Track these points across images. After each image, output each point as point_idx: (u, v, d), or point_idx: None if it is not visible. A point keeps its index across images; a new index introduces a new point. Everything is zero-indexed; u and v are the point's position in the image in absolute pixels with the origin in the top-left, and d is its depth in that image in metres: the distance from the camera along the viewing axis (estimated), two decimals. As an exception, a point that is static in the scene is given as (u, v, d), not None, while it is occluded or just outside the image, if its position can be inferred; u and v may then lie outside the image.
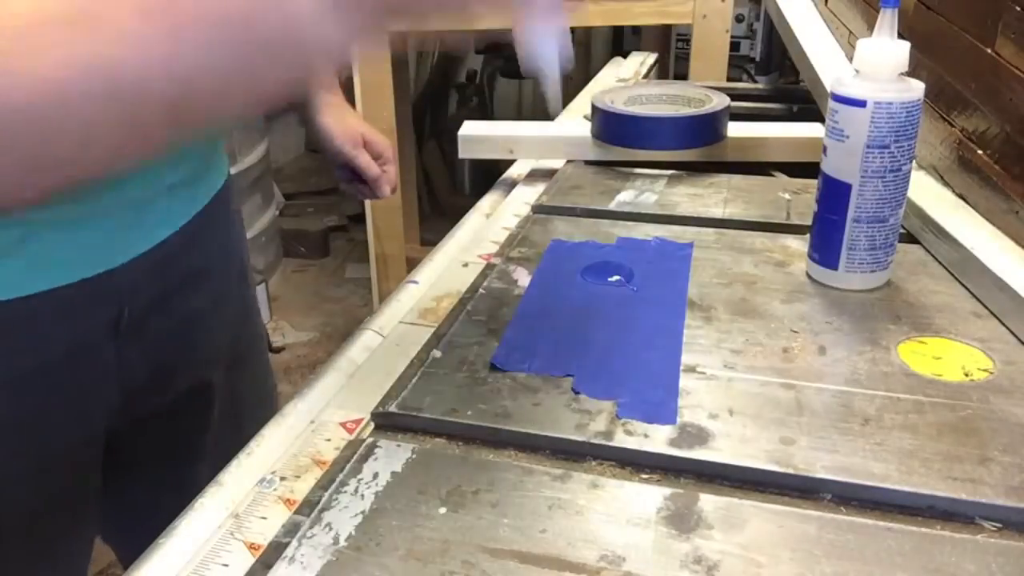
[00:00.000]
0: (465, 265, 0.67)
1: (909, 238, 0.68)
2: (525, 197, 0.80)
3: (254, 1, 0.35)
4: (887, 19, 0.54)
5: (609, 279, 0.60)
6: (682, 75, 2.00)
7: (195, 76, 0.35)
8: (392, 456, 0.44)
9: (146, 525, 0.49)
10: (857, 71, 0.56)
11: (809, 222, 0.62)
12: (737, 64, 2.27)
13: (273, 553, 0.38)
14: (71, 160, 0.35)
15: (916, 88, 0.56)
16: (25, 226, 0.51)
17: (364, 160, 0.94)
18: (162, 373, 0.64)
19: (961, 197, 0.69)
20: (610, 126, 0.84)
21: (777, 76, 2.26)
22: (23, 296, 0.52)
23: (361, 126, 0.97)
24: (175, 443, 0.69)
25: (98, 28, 0.33)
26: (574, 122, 0.99)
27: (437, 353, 0.52)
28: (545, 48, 0.43)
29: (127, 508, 0.69)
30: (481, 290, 0.60)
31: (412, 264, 0.69)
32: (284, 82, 0.39)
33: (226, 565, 0.39)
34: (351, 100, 1.81)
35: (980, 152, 0.66)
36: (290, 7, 0.36)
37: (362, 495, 0.41)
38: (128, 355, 0.60)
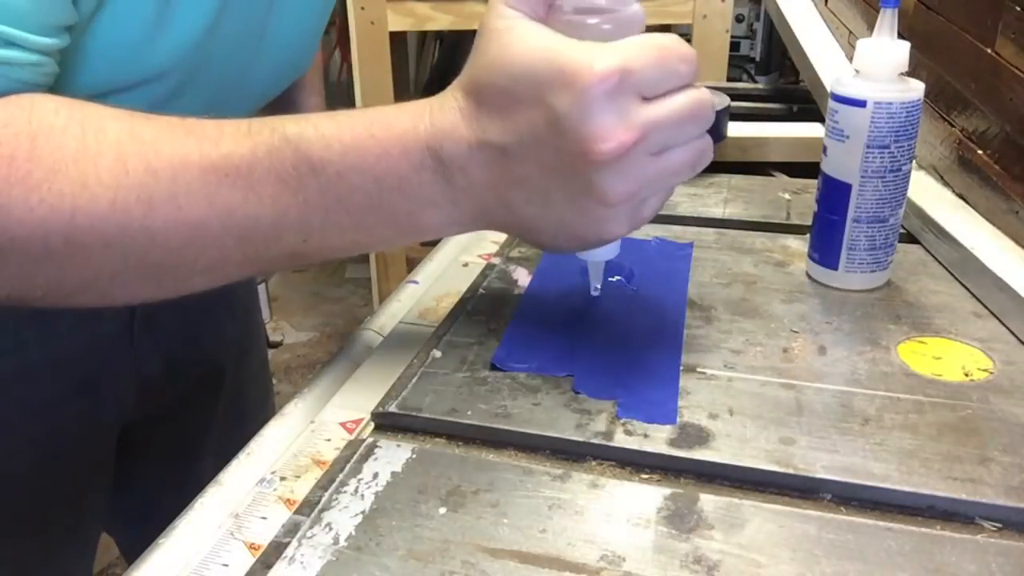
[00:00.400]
0: (465, 265, 0.67)
1: (909, 238, 0.68)
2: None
3: (391, 203, 0.42)
4: (887, 19, 0.54)
5: (609, 279, 0.59)
6: (682, 75, 2.00)
7: (318, 239, 0.42)
8: (392, 456, 0.44)
9: (149, 519, 0.50)
10: (857, 71, 0.56)
11: (809, 222, 0.62)
12: (737, 64, 2.27)
13: (273, 553, 0.38)
14: (197, 284, 0.43)
15: (916, 88, 0.56)
16: None
17: None
18: (175, 366, 0.64)
19: (961, 197, 0.69)
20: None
21: (777, 76, 2.25)
22: None
23: None
24: (182, 437, 0.69)
25: (241, 187, 0.40)
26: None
27: (437, 353, 0.52)
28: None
29: (132, 501, 0.70)
30: (481, 290, 0.60)
31: (412, 264, 0.69)
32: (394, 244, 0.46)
33: (226, 565, 0.39)
34: (351, 100, 1.81)
35: (980, 152, 0.66)
36: (423, 218, 0.43)
37: (362, 495, 0.41)
38: (143, 348, 0.60)
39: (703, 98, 0.41)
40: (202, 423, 0.70)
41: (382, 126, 0.41)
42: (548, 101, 0.38)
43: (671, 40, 0.40)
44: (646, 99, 0.40)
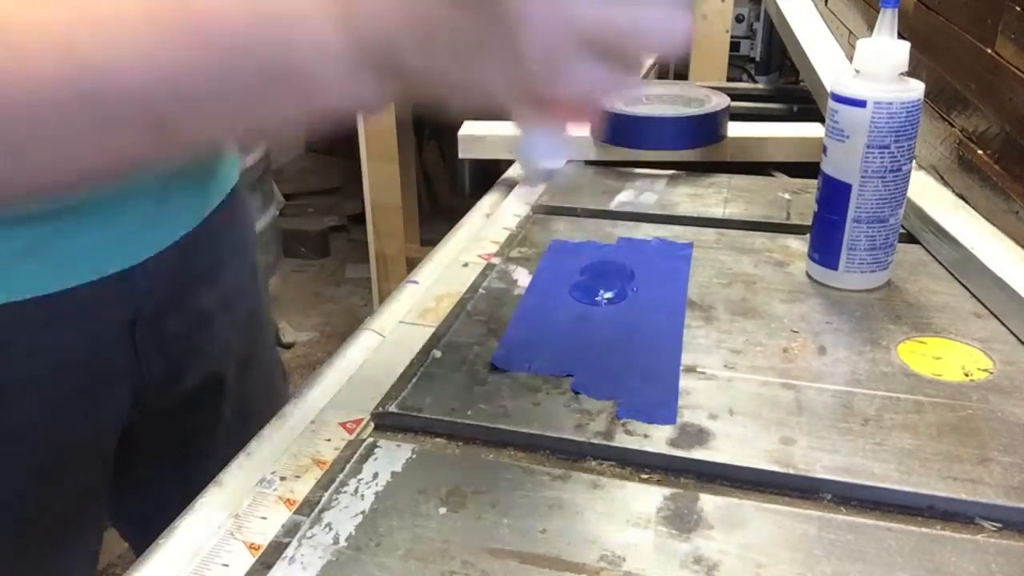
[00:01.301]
0: (465, 265, 0.67)
1: (909, 238, 0.68)
2: (525, 197, 0.80)
3: (261, 26, 0.34)
4: (887, 19, 0.54)
5: (597, 297, 0.59)
6: (682, 75, 2.00)
7: (187, 92, 0.34)
8: (392, 456, 0.44)
9: (156, 517, 0.49)
10: (857, 71, 0.56)
11: (809, 222, 0.62)
12: (737, 64, 2.27)
13: (273, 553, 0.38)
14: (51, 161, 0.35)
15: (916, 88, 0.56)
16: (43, 226, 0.51)
17: None
18: (176, 369, 0.64)
19: (961, 197, 0.69)
20: (610, 126, 0.84)
21: (777, 76, 2.25)
22: (40, 296, 0.52)
23: None
24: (187, 438, 0.69)
25: (100, 31, 0.33)
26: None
27: (437, 353, 0.52)
28: (540, 147, 0.41)
29: (138, 499, 0.70)
30: (481, 290, 0.60)
31: (412, 264, 0.69)
32: (281, 116, 0.37)
33: (226, 565, 0.39)
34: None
35: (980, 152, 0.66)
36: (300, 44, 0.34)
37: (362, 495, 0.41)
38: (144, 352, 0.60)
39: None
40: (207, 427, 0.70)
41: None
42: None
43: None
44: None
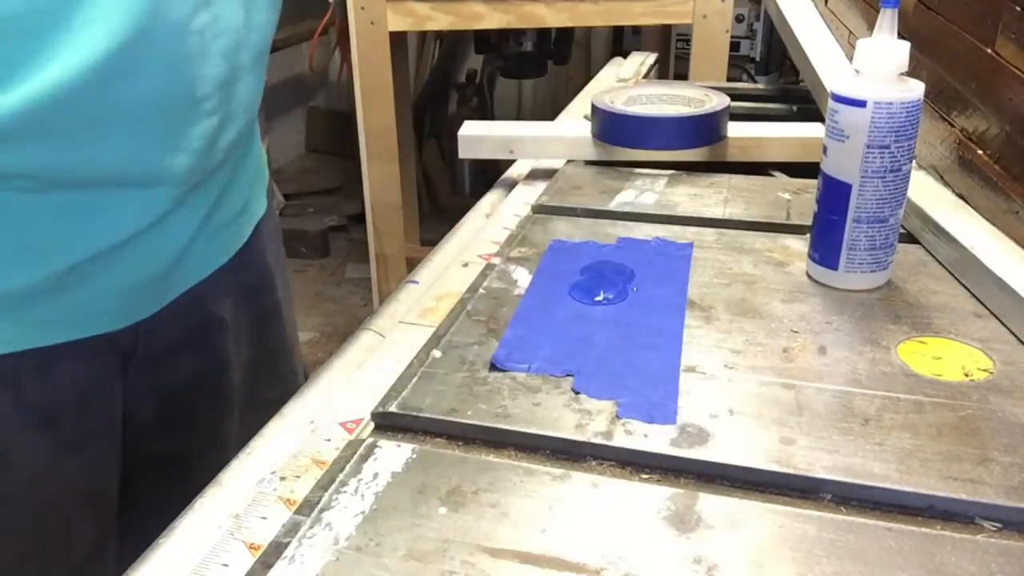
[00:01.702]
0: (465, 265, 0.67)
1: (909, 238, 0.68)
2: (525, 197, 0.80)
3: None
4: (887, 19, 0.54)
5: (597, 297, 0.59)
6: (682, 75, 2.00)
7: None
8: (392, 456, 0.44)
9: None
10: (857, 71, 0.56)
11: (809, 222, 0.62)
12: (737, 64, 2.27)
13: (273, 553, 0.38)
14: None
15: (916, 88, 0.56)
16: (64, 276, 0.50)
17: None
18: (171, 414, 0.62)
19: (961, 197, 0.69)
20: (610, 126, 0.84)
21: (777, 76, 2.25)
22: (39, 348, 0.51)
23: None
24: (190, 486, 0.68)
25: None
26: (574, 122, 0.99)
27: (437, 353, 0.52)
28: None
29: (137, 517, 0.68)
30: (481, 290, 0.60)
31: (412, 264, 0.69)
32: None
33: (226, 565, 0.39)
34: (351, 100, 1.81)
35: (980, 152, 0.66)
36: None
37: (362, 495, 0.41)
38: (136, 391, 0.59)
39: None
40: (215, 441, 0.68)
41: None
42: None
43: None
44: None
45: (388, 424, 0.47)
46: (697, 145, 0.83)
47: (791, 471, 0.42)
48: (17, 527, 0.54)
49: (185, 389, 0.63)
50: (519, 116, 3.15)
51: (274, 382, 0.72)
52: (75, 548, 0.58)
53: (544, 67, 2.46)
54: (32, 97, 0.42)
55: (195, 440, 0.63)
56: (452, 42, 3.04)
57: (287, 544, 0.39)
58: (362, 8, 1.63)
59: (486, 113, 3.10)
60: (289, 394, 0.52)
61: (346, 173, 3.04)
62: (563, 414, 0.47)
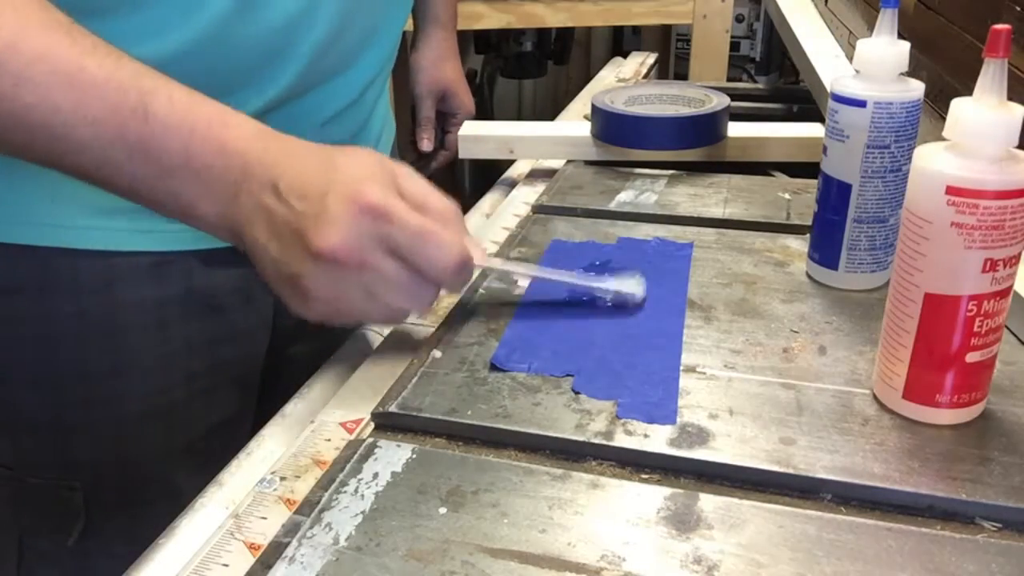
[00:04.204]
0: (465, 265, 0.67)
1: (909, 238, 0.68)
2: (525, 197, 0.80)
3: (174, 179, 0.46)
4: (887, 19, 0.54)
5: (605, 299, 0.59)
6: (682, 75, 2.00)
7: (109, 172, 0.46)
8: (392, 456, 0.44)
9: None
10: (857, 71, 0.56)
11: (809, 222, 0.62)
12: (737, 64, 2.27)
13: (273, 553, 0.38)
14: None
15: (916, 88, 0.56)
16: None
17: (425, 107, 0.95)
18: (311, 326, 0.68)
19: (961, 197, 0.69)
20: (610, 126, 0.84)
21: (777, 76, 2.25)
22: (206, 249, 0.59)
23: (452, 76, 0.97)
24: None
25: (74, 97, 0.44)
26: (574, 122, 0.99)
27: (437, 353, 0.52)
28: None
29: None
30: (481, 290, 0.60)
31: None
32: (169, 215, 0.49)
33: (226, 565, 0.39)
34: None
35: (980, 152, 0.66)
36: (193, 215, 0.48)
37: (362, 495, 0.41)
38: (283, 307, 0.64)
39: (428, 293, 0.48)
40: (338, 344, 0.71)
41: (226, 120, 0.47)
42: (328, 195, 0.45)
43: (451, 241, 0.47)
44: (390, 251, 0.46)
45: (388, 424, 0.47)
46: (697, 145, 0.83)
47: (791, 471, 0.42)
48: (168, 384, 0.62)
49: None
50: (519, 116, 3.15)
51: None
52: (217, 409, 0.66)
53: (544, 67, 2.46)
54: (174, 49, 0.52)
55: (328, 344, 0.68)
56: (452, 42, 3.04)
57: (287, 544, 0.39)
58: (362, 8, 1.63)
59: (486, 113, 3.10)
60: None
61: (346, 173, 3.03)
62: (563, 414, 0.47)
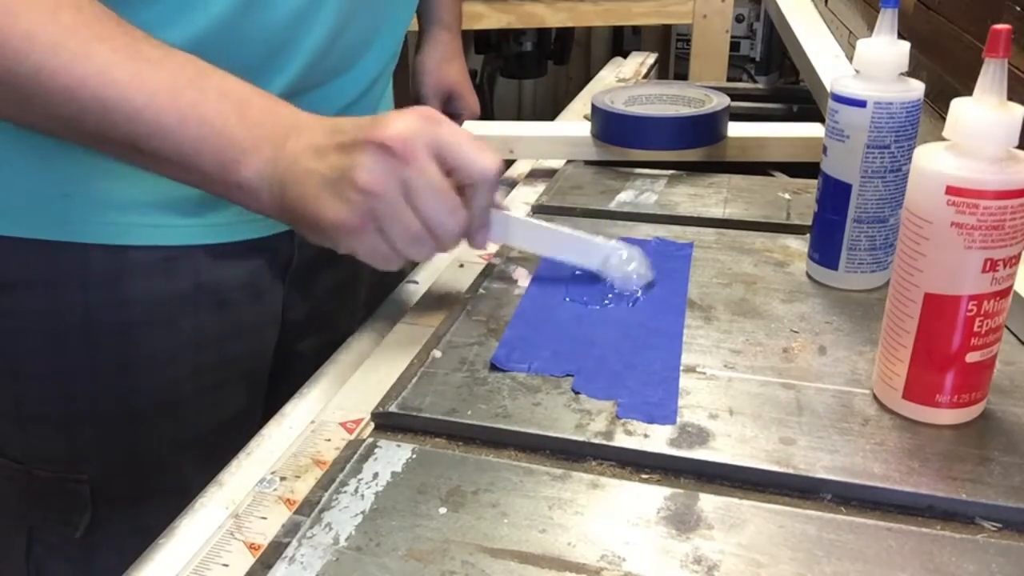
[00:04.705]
0: (461, 266, 0.67)
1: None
2: (525, 197, 0.80)
3: (221, 146, 0.49)
4: (887, 19, 0.54)
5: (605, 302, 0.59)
6: (682, 75, 2.00)
7: (158, 139, 0.48)
8: (392, 456, 0.44)
9: None
10: (857, 71, 0.56)
11: (809, 222, 0.62)
12: (737, 64, 2.27)
13: (273, 553, 0.38)
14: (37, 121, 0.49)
15: (916, 88, 0.56)
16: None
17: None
18: (316, 317, 0.72)
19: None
20: (610, 126, 0.84)
21: (777, 76, 2.25)
22: (215, 243, 0.60)
23: (457, 77, 0.97)
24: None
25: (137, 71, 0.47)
26: (574, 122, 0.99)
27: (437, 353, 0.52)
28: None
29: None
30: (481, 290, 0.60)
31: (412, 264, 0.70)
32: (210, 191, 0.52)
33: (226, 565, 0.39)
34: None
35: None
36: (243, 184, 0.50)
37: (362, 495, 0.41)
38: (292, 295, 0.68)
39: (457, 212, 0.51)
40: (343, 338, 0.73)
41: (276, 99, 0.51)
42: (381, 115, 0.50)
43: (494, 152, 0.52)
44: (438, 159, 0.49)
45: (388, 424, 0.47)
46: (697, 145, 0.83)
47: (791, 471, 0.42)
48: (176, 378, 0.62)
49: (328, 297, 0.72)
50: (519, 116, 3.15)
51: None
52: (225, 404, 0.66)
53: (544, 67, 2.46)
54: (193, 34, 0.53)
55: (333, 341, 0.69)
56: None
57: (287, 544, 0.39)
58: (362, 8, 1.63)
59: (486, 113, 3.09)
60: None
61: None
62: (563, 414, 0.47)
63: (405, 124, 0.48)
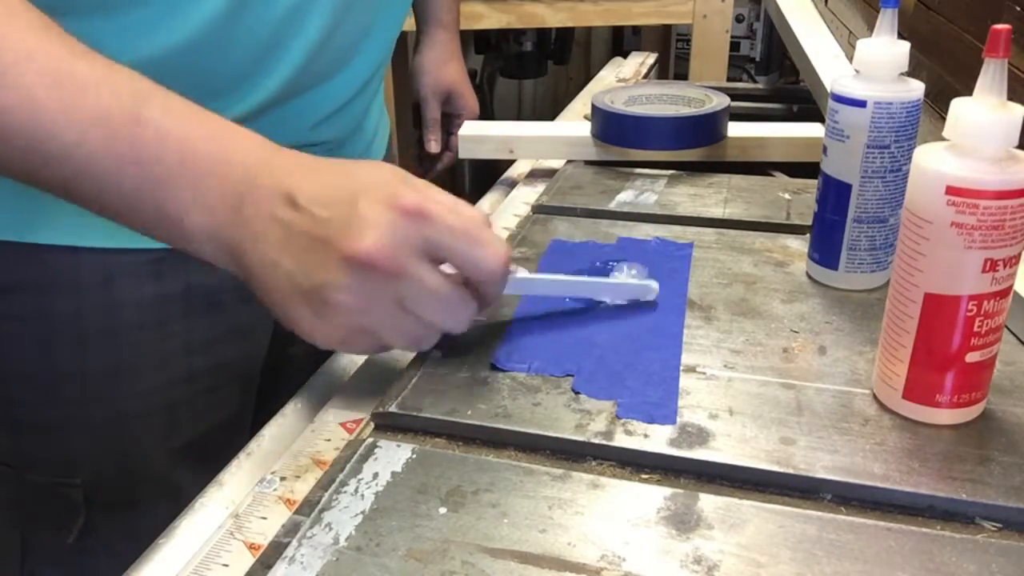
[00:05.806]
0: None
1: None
2: (525, 197, 0.80)
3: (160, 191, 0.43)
4: (887, 19, 0.54)
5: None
6: (682, 75, 2.00)
7: (93, 184, 0.42)
8: (392, 456, 0.44)
9: None
10: (857, 71, 0.56)
11: (809, 222, 0.62)
12: (737, 64, 2.27)
13: (273, 553, 0.38)
14: None
15: (916, 88, 0.56)
16: None
17: (430, 109, 0.95)
18: None
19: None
20: (610, 126, 0.84)
21: (777, 76, 2.25)
22: None
23: (456, 77, 0.97)
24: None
25: (60, 97, 0.41)
26: (574, 122, 0.99)
27: (437, 353, 0.52)
28: None
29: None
30: (481, 290, 0.60)
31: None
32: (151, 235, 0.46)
33: (226, 565, 0.39)
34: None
35: (980, 152, 0.66)
36: (184, 227, 0.44)
37: (362, 495, 0.41)
38: None
39: (467, 308, 0.46)
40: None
41: (226, 130, 0.44)
42: (359, 200, 0.42)
43: (496, 241, 0.46)
44: (430, 257, 0.43)
45: (388, 424, 0.47)
46: (697, 145, 0.83)
47: (791, 471, 0.42)
48: (168, 382, 0.62)
49: None
50: (519, 116, 3.15)
51: None
52: (217, 408, 0.66)
53: (544, 67, 2.46)
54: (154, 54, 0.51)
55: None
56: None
57: (287, 544, 0.39)
58: (362, 8, 1.63)
59: (486, 113, 3.10)
60: None
61: (346, 173, 3.02)
62: (563, 414, 0.47)
63: (384, 232, 0.41)
